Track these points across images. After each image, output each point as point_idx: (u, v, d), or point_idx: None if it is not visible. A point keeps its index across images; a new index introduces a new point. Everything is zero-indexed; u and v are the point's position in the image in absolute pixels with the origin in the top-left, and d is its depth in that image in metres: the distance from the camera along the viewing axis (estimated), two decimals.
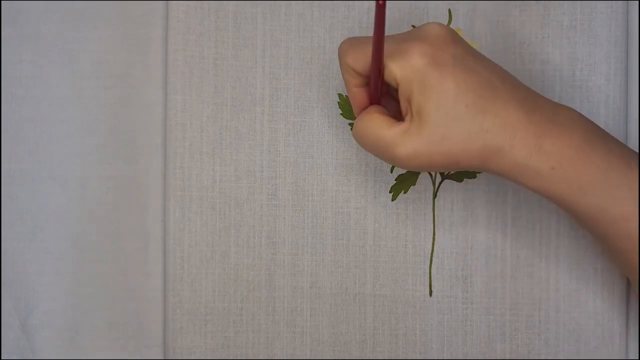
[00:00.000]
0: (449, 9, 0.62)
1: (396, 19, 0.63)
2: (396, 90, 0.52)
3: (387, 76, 0.52)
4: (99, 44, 0.64)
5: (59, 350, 0.64)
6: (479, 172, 0.62)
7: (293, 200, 0.63)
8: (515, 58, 0.62)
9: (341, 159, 0.63)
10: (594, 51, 0.62)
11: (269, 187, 0.63)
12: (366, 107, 0.55)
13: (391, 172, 0.63)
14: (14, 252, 0.64)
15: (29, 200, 0.64)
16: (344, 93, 0.63)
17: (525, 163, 0.50)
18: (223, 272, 0.63)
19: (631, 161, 0.51)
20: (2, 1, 0.64)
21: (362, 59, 0.52)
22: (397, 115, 0.54)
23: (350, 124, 0.63)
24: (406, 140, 0.51)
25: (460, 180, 0.62)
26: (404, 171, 0.62)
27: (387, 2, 0.63)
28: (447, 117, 0.50)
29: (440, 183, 0.63)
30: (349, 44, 0.53)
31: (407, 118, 0.52)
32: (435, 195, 0.63)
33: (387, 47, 0.51)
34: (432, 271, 0.63)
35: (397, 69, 0.51)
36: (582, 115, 0.53)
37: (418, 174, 0.62)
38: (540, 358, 0.62)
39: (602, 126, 0.55)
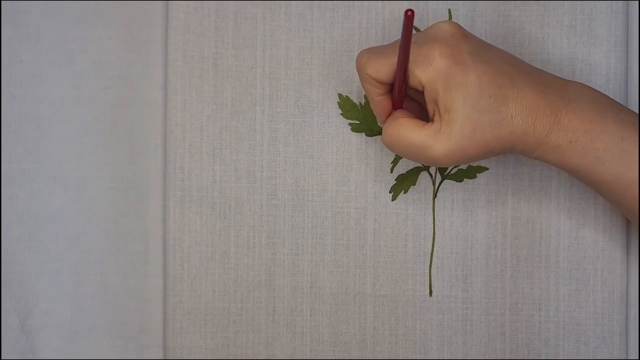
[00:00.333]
0: (449, 9, 0.62)
1: (396, 19, 0.63)
2: (415, 91, 0.54)
3: (412, 81, 0.53)
4: (99, 44, 0.64)
5: (59, 351, 0.64)
6: (479, 172, 0.62)
7: (293, 200, 0.63)
8: None
9: (341, 159, 0.63)
10: (594, 51, 0.62)
11: (268, 187, 0.63)
12: (390, 113, 0.56)
13: (391, 172, 0.63)
14: (14, 252, 0.64)
15: (29, 200, 0.64)
16: (344, 93, 0.63)
17: (546, 140, 0.53)
18: (223, 272, 0.63)
19: None
20: (2, 1, 0.64)
21: (383, 69, 0.53)
22: (420, 115, 0.56)
23: (350, 124, 0.63)
24: (440, 140, 0.53)
25: (460, 180, 0.62)
26: (404, 171, 0.62)
27: (387, 2, 0.63)
28: (475, 110, 0.52)
29: (440, 183, 0.63)
30: (367, 56, 0.54)
31: (436, 118, 0.53)
32: (435, 195, 0.63)
33: None
34: (432, 271, 0.63)
35: (421, 74, 0.52)
36: (590, 87, 0.55)
37: (418, 174, 0.62)
38: (540, 358, 0.62)
39: None
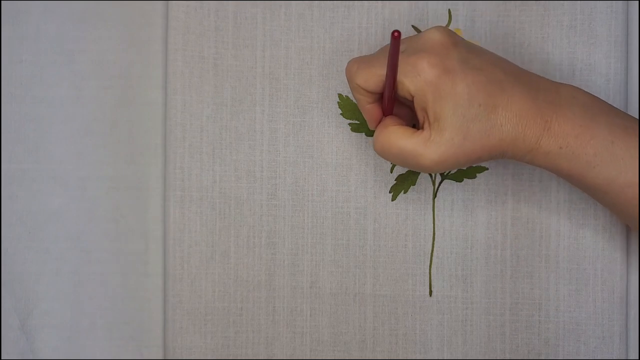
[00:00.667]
0: (449, 9, 0.62)
1: (396, 19, 0.63)
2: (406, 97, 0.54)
3: (401, 91, 0.53)
4: (99, 44, 0.64)
5: (59, 351, 0.64)
6: (479, 172, 0.62)
7: (293, 200, 0.63)
8: (515, 58, 0.62)
9: (341, 159, 0.63)
10: (594, 51, 0.62)
11: (268, 187, 0.63)
12: (380, 119, 0.56)
13: (391, 172, 0.63)
14: (14, 252, 0.64)
15: (29, 200, 0.64)
16: (344, 93, 0.63)
17: (536, 147, 0.53)
18: (223, 272, 0.63)
19: (632, 130, 0.53)
20: (2, 1, 0.64)
21: (372, 79, 0.54)
22: (411, 120, 0.57)
23: (350, 124, 0.63)
24: (430, 148, 0.53)
25: (460, 181, 0.62)
26: (403, 171, 0.62)
27: (387, 2, 0.63)
28: (465, 118, 0.52)
29: (440, 183, 0.63)
30: (357, 65, 0.55)
31: (426, 126, 0.53)
32: (435, 195, 0.63)
33: None
34: (432, 271, 0.63)
35: (410, 84, 0.52)
36: (582, 91, 0.55)
37: (418, 174, 0.62)
38: (540, 358, 0.62)
39: None
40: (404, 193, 0.63)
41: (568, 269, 0.62)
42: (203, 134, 0.63)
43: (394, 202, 0.63)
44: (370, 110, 0.56)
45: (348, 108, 0.62)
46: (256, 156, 0.63)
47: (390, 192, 0.63)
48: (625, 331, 0.62)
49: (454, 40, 0.53)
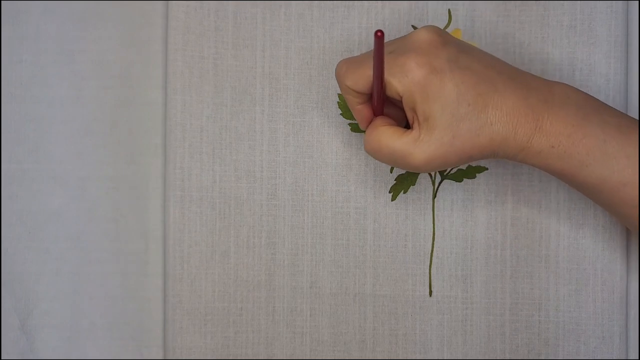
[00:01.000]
0: (449, 9, 0.62)
1: (396, 19, 0.63)
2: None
3: (389, 92, 0.53)
4: (99, 44, 0.64)
5: (59, 350, 0.64)
6: (479, 172, 0.62)
7: (293, 201, 0.63)
8: (515, 58, 0.62)
9: (341, 159, 0.63)
10: (594, 51, 0.62)
11: (268, 187, 0.63)
12: (371, 120, 0.56)
13: (391, 172, 0.63)
14: (14, 252, 0.64)
15: (29, 200, 0.64)
16: None
17: (528, 146, 0.52)
18: (223, 272, 0.63)
19: (626, 129, 0.53)
20: (2, 1, 0.64)
21: (361, 80, 0.54)
22: (402, 119, 0.56)
23: (350, 124, 0.63)
24: (419, 147, 0.53)
25: (460, 180, 0.62)
26: (403, 171, 0.62)
27: (387, 2, 0.63)
28: (454, 118, 0.52)
29: (440, 183, 0.63)
30: (346, 67, 0.55)
31: (415, 126, 0.53)
32: (435, 196, 0.63)
33: (384, 63, 0.52)
34: (432, 271, 0.63)
35: (398, 84, 0.52)
36: (576, 89, 0.54)
37: (418, 174, 0.62)
38: (540, 358, 0.62)
39: None
40: (404, 193, 0.63)
41: (568, 269, 0.62)
42: (203, 134, 0.63)
43: (393, 202, 0.63)
44: (360, 110, 0.56)
45: (348, 108, 0.62)
46: (256, 156, 0.63)
47: (390, 192, 0.63)
48: (625, 331, 0.62)
49: (444, 39, 0.53)
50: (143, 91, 0.64)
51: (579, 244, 0.62)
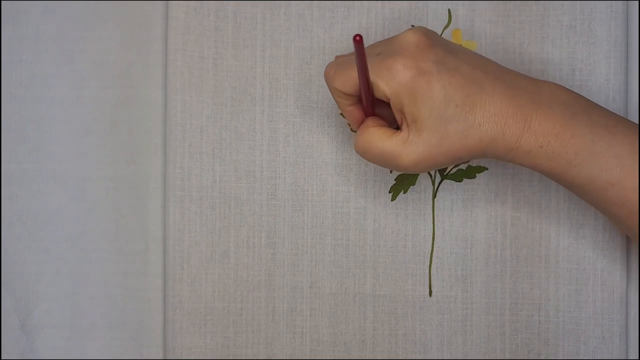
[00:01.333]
0: (449, 9, 0.62)
1: (396, 19, 0.63)
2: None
3: (377, 93, 0.53)
4: (99, 44, 0.64)
5: (59, 350, 0.64)
6: (479, 172, 0.62)
7: (293, 201, 0.63)
8: (515, 58, 0.62)
9: (341, 159, 0.63)
10: (594, 51, 0.62)
11: (268, 187, 0.63)
12: (362, 121, 0.56)
13: (390, 172, 0.63)
14: (14, 252, 0.64)
15: (29, 200, 0.64)
16: None
17: (517, 146, 0.53)
18: (223, 272, 0.63)
19: (614, 129, 0.53)
20: (2, 1, 0.64)
21: (349, 82, 0.54)
22: (393, 120, 0.56)
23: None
24: (408, 149, 0.53)
25: (460, 180, 0.62)
26: None
27: (387, 2, 0.63)
28: (441, 119, 0.52)
29: (440, 183, 0.63)
30: (334, 69, 0.55)
31: (404, 127, 0.53)
32: (434, 196, 0.63)
33: (371, 65, 0.53)
34: (431, 271, 0.63)
35: (385, 87, 0.52)
36: (564, 89, 0.55)
37: (418, 174, 0.62)
38: (540, 358, 0.62)
39: None
40: (404, 193, 0.63)
41: (568, 269, 0.62)
42: (203, 134, 0.63)
43: (393, 202, 0.63)
44: (351, 112, 0.56)
45: None
46: (256, 156, 0.63)
47: (390, 192, 0.63)
48: (625, 331, 0.62)
49: (431, 41, 0.53)
50: (143, 91, 0.64)
51: (579, 244, 0.62)
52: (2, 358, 0.64)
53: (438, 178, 0.63)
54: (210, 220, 0.63)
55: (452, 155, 0.53)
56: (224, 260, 0.63)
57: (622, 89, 0.62)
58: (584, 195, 0.54)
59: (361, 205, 0.63)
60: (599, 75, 0.62)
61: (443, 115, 0.52)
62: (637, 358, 0.62)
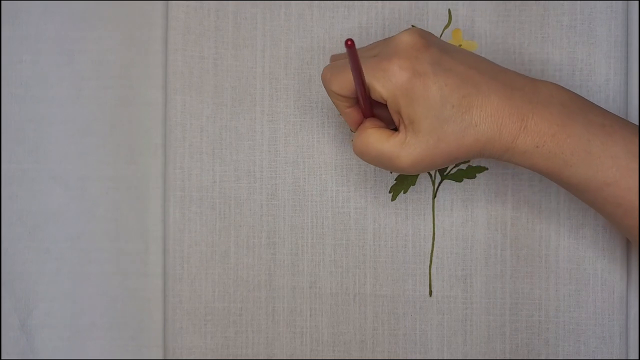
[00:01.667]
0: (449, 9, 0.62)
1: (396, 19, 0.63)
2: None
3: (374, 96, 0.53)
4: (99, 44, 0.64)
5: (59, 350, 0.64)
6: (479, 172, 0.62)
7: (293, 201, 0.63)
8: (515, 58, 0.62)
9: (341, 159, 0.63)
10: (594, 51, 0.62)
11: (268, 187, 0.63)
12: (361, 122, 0.57)
13: (391, 173, 0.63)
14: (14, 252, 0.64)
15: (29, 200, 0.64)
16: None
17: (513, 146, 0.53)
18: (223, 272, 0.63)
19: (610, 129, 0.53)
20: (2, 1, 0.64)
21: (345, 84, 0.54)
22: (392, 121, 0.56)
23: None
24: (406, 150, 0.53)
25: (460, 180, 0.62)
26: None
27: (387, 2, 0.63)
28: (438, 120, 0.52)
29: (440, 183, 0.63)
30: (330, 72, 0.55)
31: (401, 128, 0.54)
32: (434, 196, 0.63)
33: (367, 67, 0.53)
34: (431, 271, 0.63)
35: (381, 89, 0.52)
36: (561, 88, 0.55)
37: (418, 174, 0.62)
38: (540, 358, 0.62)
39: None
40: (404, 193, 0.63)
41: (568, 269, 0.62)
42: (203, 134, 0.63)
43: (393, 202, 0.63)
44: (349, 114, 0.56)
45: None
46: (256, 156, 0.63)
47: (390, 192, 0.63)
48: (625, 331, 0.62)
49: (426, 42, 0.53)
50: (143, 91, 0.64)
51: (579, 244, 0.62)
52: (2, 358, 0.64)
53: (438, 178, 0.63)
54: (210, 220, 0.63)
55: (450, 156, 0.53)
56: (224, 260, 0.63)
57: (622, 89, 0.62)
58: (580, 195, 0.55)
59: (361, 205, 0.63)
60: (599, 75, 0.62)
61: (440, 116, 0.52)
62: (637, 358, 0.62)
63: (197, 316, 0.63)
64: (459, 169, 0.62)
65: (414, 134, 0.53)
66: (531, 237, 0.63)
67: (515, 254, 0.63)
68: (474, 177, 0.62)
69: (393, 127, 0.56)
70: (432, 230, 0.63)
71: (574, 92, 0.55)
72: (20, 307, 0.64)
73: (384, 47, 0.54)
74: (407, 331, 0.63)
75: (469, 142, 0.53)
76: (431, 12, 0.63)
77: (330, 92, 0.55)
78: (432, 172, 0.63)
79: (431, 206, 0.63)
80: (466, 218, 0.63)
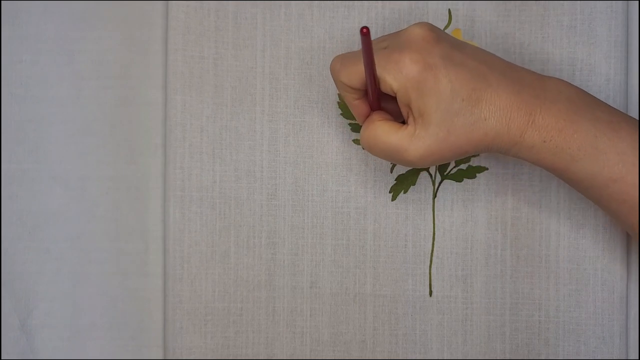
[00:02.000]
0: (449, 9, 0.62)
1: (396, 19, 0.63)
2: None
3: (384, 88, 0.53)
4: (99, 44, 0.64)
5: (59, 350, 0.64)
6: (479, 172, 0.62)
7: (293, 201, 0.63)
8: (515, 58, 0.63)
9: (341, 159, 0.63)
10: (594, 51, 0.62)
11: (268, 187, 0.63)
12: (368, 115, 0.56)
13: (391, 172, 0.63)
14: (14, 252, 0.64)
15: (29, 200, 0.64)
16: None
17: (520, 140, 0.53)
18: (223, 272, 0.63)
19: (617, 125, 0.53)
20: (2, 1, 0.64)
21: (355, 76, 0.54)
22: (399, 114, 0.56)
23: (350, 124, 0.63)
24: (415, 143, 0.53)
25: (460, 180, 0.62)
26: (403, 171, 0.62)
27: (387, 2, 0.63)
28: (448, 113, 0.52)
29: (440, 183, 0.63)
30: (340, 63, 0.55)
31: (410, 121, 0.54)
32: (435, 196, 0.63)
33: (378, 59, 0.53)
34: (432, 271, 0.63)
35: (392, 81, 0.52)
36: (568, 84, 0.55)
37: (418, 174, 0.62)
38: (540, 358, 0.62)
39: None
40: (404, 193, 0.63)
41: (568, 269, 0.62)
42: (203, 134, 0.63)
43: (394, 202, 0.63)
44: (357, 106, 0.56)
45: (348, 108, 0.62)
46: (256, 156, 0.63)
47: (390, 192, 0.63)
48: (625, 331, 0.62)
49: (437, 36, 0.53)
50: (143, 91, 0.64)
51: (579, 244, 0.62)
52: (2, 358, 0.64)
53: (438, 178, 0.63)
54: (210, 220, 0.63)
55: (459, 150, 0.53)
56: (224, 260, 0.63)
57: (622, 89, 0.62)
58: (586, 191, 0.55)
59: (361, 205, 0.63)
60: (599, 75, 0.62)
61: (449, 109, 0.52)
62: (637, 358, 0.62)
63: (197, 316, 0.63)
64: (459, 169, 0.62)
65: (423, 127, 0.53)
66: (531, 237, 0.63)
67: (515, 254, 0.63)
68: (474, 177, 0.62)
69: (400, 121, 0.56)
70: (432, 230, 0.63)
71: (581, 89, 0.55)
72: (20, 307, 0.64)
73: (395, 40, 0.54)
74: (407, 331, 0.63)
75: (477, 135, 0.53)
76: (431, 12, 0.63)
77: (338, 83, 0.55)
78: (432, 172, 0.63)
79: (431, 206, 0.63)
80: (466, 218, 0.63)
